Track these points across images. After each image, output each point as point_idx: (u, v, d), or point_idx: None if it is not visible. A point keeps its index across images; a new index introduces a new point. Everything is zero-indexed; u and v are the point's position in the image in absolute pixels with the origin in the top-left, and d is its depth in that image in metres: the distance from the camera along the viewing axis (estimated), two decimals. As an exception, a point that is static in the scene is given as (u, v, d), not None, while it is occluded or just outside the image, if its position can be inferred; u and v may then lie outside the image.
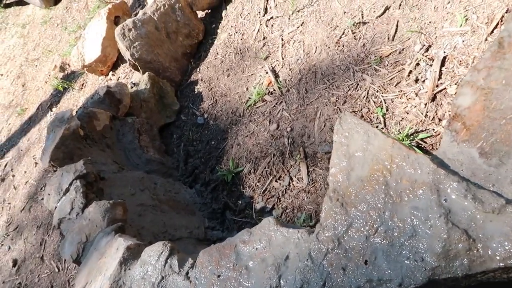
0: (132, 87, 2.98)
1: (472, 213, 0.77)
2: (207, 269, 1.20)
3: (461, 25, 1.89)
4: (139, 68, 3.05)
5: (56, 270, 2.87)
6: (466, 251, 0.76)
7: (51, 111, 4.47)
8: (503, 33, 0.99)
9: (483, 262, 0.75)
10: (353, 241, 0.91)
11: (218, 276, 1.15)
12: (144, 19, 3.03)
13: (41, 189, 3.65)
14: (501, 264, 0.72)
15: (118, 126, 2.59)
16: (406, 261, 0.82)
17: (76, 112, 2.57)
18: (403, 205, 0.86)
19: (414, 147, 1.72)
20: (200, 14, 3.38)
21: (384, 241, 0.86)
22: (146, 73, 2.96)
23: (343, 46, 2.30)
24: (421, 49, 1.98)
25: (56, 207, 1.97)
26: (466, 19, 1.89)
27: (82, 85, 4.29)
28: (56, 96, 4.56)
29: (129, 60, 3.03)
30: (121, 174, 2.25)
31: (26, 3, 6.85)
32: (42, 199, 3.53)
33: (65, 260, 2.92)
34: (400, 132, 1.83)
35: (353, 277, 0.88)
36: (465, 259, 0.76)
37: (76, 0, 5.90)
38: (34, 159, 4.09)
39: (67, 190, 1.97)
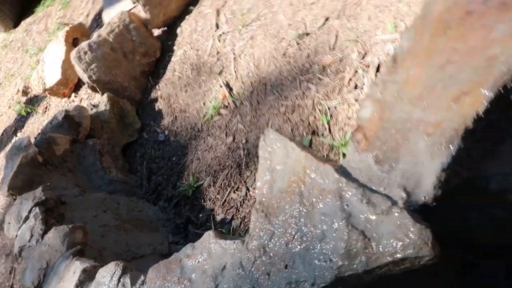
0: (92, 109, 3.02)
1: (367, 215, 0.88)
2: (156, 284, 1.27)
3: (391, 33, 2.04)
4: (98, 89, 3.09)
5: (27, 297, 2.86)
6: (363, 249, 0.86)
7: (16, 136, 4.43)
8: (397, 49, 1.11)
9: (377, 258, 0.85)
10: (275, 248, 1.00)
11: (165, 290, 1.22)
12: (100, 41, 3.08)
13: (9, 216, 3.61)
14: (389, 258, 0.83)
15: (78, 149, 2.63)
16: (317, 263, 0.91)
17: (35, 138, 2.59)
18: (314, 212, 0.96)
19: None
20: (156, 32, 3.45)
21: (301, 246, 0.96)
22: (105, 94, 3.00)
23: (289, 57, 2.41)
24: (358, 56, 2.11)
25: (16, 236, 2.00)
26: (396, 27, 2.04)
27: (46, 108, 4.28)
28: (20, 121, 4.53)
29: (87, 82, 3.07)
30: (82, 197, 2.29)
31: (-15, 28, 6.74)
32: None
33: None
34: (343, 138, 1.94)
35: (276, 281, 0.97)
36: (363, 257, 0.86)
37: (36, 22, 5.86)
38: (0, 186, 4.03)
39: (27, 217, 2.00)
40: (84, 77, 3.05)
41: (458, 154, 0.84)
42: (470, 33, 0.91)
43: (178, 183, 2.47)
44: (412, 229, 0.81)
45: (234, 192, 2.21)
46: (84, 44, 3.04)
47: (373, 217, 0.87)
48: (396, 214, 0.84)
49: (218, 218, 2.18)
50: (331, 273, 0.89)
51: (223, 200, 2.22)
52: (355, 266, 0.87)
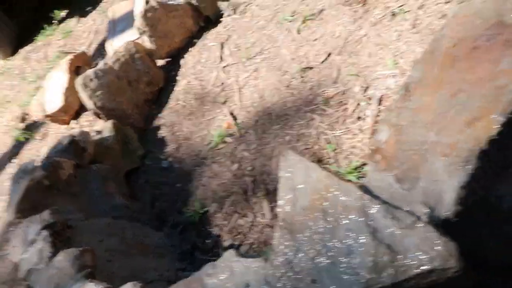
0: (95, 135, 3.05)
1: (393, 230, 0.94)
2: (176, 304, 1.29)
3: (391, 69, 2.18)
4: (102, 116, 3.14)
5: (20, 327, 2.77)
6: (391, 262, 0.92)
7: (11, 162, 4.39)
8: (409, 79, 1.22)
9: (404, 271, 0.90)
10: (301, 264, 1.05)
11: (187, 309, 1.24)
12: (105, 69, 3.17)
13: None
14: (417, 270, 0.89)
15: (82, 174, 2.64)
16: (345, 277, 0.96)
17: (41, 162, 2.61)
18: (339, 228, 1.02)
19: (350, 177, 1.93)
20: (160, 62, 3.56)
21: (327, 261, 1.01)
22: (110, 121, 3.05)
23: (293, 89, 2.53)
24: (360, 90, 2.24)
25: (22, 259, 1.98)
26: (395, 63, 2.18)
27: (44, 135, 4.28)
28: (16, 147, 4.50)
29: (91, 109, 3.13)
30: (88, 222, 2.29)
31: (-18, 55, 6.77)
32: (7, 254, 3.41)
33: (29, 316, 2.82)
34: (349, 165, 2.03)
35: (304, 295, 1.01)
36: (391, 269, 0.91)
37: (35, 50, 5.93)
38: (-7, 213, 3.96)
39: (34, 240, 1.99)
40: (89, 104, 3.11)
41: (474, 172, 0.92)
42: (478, 65, 1.03)
43: (184, 209, 2.49)
44: (437, 242, 0.87)
45: (241, 218, 2.24)
46: (90, 72, 3.12)
47: (399, 232, 0.93)
48: (421, 228, 0.91)
49: (226, 244, 2.20)
50: (359, 287, 0.94)
51: (230, 226, 2.25)
52: (383, 279, 0.92)
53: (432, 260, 0.87)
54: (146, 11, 3.18)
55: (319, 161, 2.13)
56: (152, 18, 3.23)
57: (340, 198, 1.05)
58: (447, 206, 0.92)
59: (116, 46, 3.82)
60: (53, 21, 5.80)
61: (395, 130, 1.11)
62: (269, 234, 2.11)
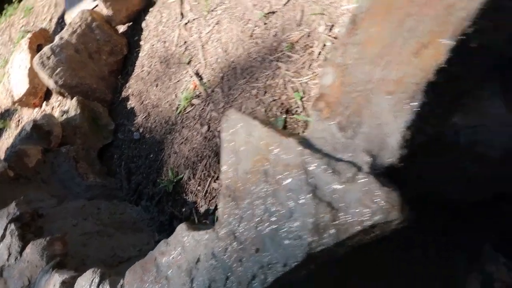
0: (62, 115, 2.91)
1: (333, 185, 0.83)
2: (133, 286, 1.21)
3: (357, 2, 1.97)
4: (66, 94, 2.98)
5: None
6: (332, 221, 0.81)
7: (-9, 153, 4.29)
8: (356, 10, 1.05)
9: (346, 229, 0.80)
10: (245, 233, 0.95)
11: (143, 291, 1.17)
12: (62, 44, 2.97)
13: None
14: (358, 227, 0.78)
15: (51, 158, 2.54)
16: (287, 242, 0.86)
17: (5, 153, 2.50)
18: (280, 190, 0.91)
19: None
20: (122, 28, 3.33)
21: (270, 227, 0.91)
22: (74, 98, 2.90)
23: (257, 38, 2.34)
24: (325, 29, 2.05)
25: (-7, 255, 1.92)
26: (360, -6, 1.97)
27: (18, 121, 4.14)
28: (-6, 138, 4.38)
29: (54, 88, 2.96)
30: (60, 207, 2.21)
31: None
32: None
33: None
34: (318, 112, 1.89)
35: (248, 266, 0.92)
36: (333, 229, 0.81)
37: (-1, 33, 5.65)
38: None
39: (3, 236, 1.92)
40: (50, 83, 2.95)
41: (421, 109, 0.79)
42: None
43: (158, 180, 2.40)
44: (378, 193, 0.76)
45: (214, 181, 2.15)
46: (46, 49, 2.92)
47: (339, 187, 0.82)
48: (362, 180, 0.79)
49: (202, 209, 2.13)
50: (301, 251, 0.84)
51: (204, 191, 2.16)
52: (325, 240, 0.82)
53: (374, 214, 0.77)
54: (93, -26, 2.92)
55: (287, 111, 2.00)
56: (102, -19, 2.98)
57: (281, 156, 0.93)
58: (391, 151, 0.80)
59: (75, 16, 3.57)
60: (12, 0, 5.47)
61: (341, 70, 0.96)
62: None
